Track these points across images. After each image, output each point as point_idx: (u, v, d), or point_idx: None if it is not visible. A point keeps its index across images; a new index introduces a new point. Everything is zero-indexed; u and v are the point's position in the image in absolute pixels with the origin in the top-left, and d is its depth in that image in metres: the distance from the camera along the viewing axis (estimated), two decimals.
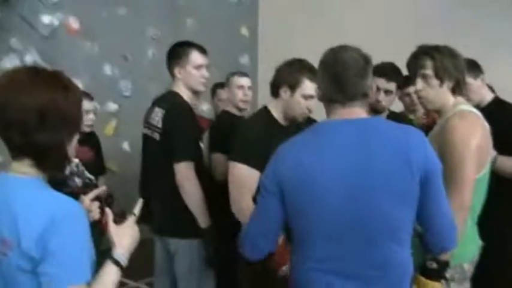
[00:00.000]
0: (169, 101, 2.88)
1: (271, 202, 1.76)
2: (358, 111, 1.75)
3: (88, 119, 3.58)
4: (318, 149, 1.69)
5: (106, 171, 3.86)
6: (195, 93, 2.95)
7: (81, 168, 3.47)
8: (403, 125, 1.82)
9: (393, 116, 3.13)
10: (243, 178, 2.37)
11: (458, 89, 2.23)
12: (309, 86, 2.51)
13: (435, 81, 2.21)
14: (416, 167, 1.64)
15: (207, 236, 2.76)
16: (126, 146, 5.66)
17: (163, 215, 2.89)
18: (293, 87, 2.51)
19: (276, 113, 2.59)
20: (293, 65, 2.54)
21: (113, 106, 5.68)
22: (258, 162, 2.33)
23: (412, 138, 1.70)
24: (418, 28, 4.97)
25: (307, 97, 2.52)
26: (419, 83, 2.25)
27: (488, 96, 3.10)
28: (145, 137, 2.96)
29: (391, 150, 1.65)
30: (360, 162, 1.65)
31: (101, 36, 5.51)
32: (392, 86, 2.97)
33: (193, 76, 2.88)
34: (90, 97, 3.66)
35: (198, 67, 2.88)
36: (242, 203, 2.37)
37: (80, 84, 5.40)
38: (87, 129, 3.58)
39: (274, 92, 2.57)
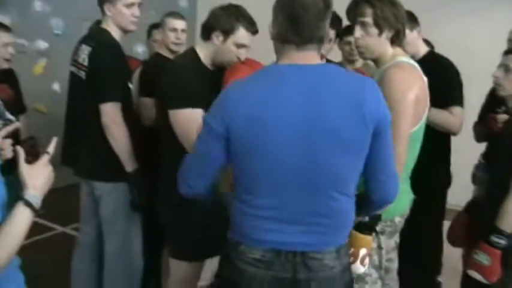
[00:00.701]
0: (97, 38, 2.74)
1: (214, 143, 1.69)
2: (312, 56, 1.69)
3: (6, 53, 3.35)
4: (268, 97, 1.62)
5: (26, 109, 3.68)
6: (126, 32, 2.83)
7: (2, 108, 3.30)
8: (357, 75, 1.77)
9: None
10: (191, 121, 2.25)
11: (397, 39, 2.20)
12: (243, 35, 2.42)
13: (374, 30, 2.17)
14: (370, 120, 1.61)
15: (132, 179, 2.70)
16: (56, 86, 5.46)
17: (88, 157, 2.79)
18: (227, 33, 2.41)
19: (204, 56, 2.49)
20: (230, 10, 2.44)
21: (42, 44, 5.46)
22: (198, 102, 2.29)
23: (366, 89, 1.65)
24: None
25: (239, 46, 2.43)
26: (358, 31, 2.21)
27: (423, 49, 3.12)
28: (72, 75, 2.83)
29: (344, 102, 1.60)
30: (311, 112, 1.60)
31: None
32: (330, 33, 2.94)
33: (123, 14, 2.75)
34: (7, 28, 3.41)
35: (129, 5, 2.74)
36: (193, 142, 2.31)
37: (6, 20, 5.11)
38: (5, 65, 3.37)
39: (206, 34, 2.47)
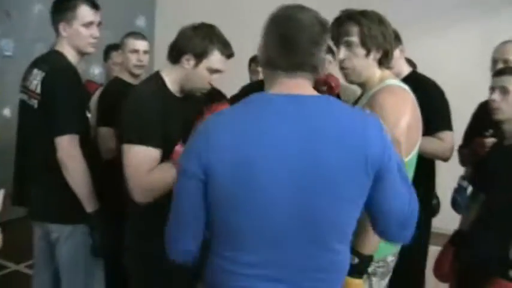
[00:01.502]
0: (51, 62, 2.43)
1: (193, 188, 1.41)
2: (303, 86, 1.45)
3: None
4: (255, 132, 1.37)
5: None
6: (83, 55, 2.53)
7: None
8: (357, 110, 1.53)
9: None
10: (141, 160, 2.00)
11: (385, 61, 2.01)
12: (218, 59, 2.14)
13: (361, 50, 1.97)
14: (372, 164, 1.39)
15: (93, 221, 2.39)
16: (6, 112, 5.10)
17: (42, 196, 2.46)
18: (199, 57, 2.12)
19: (171, 82, 2.20)
20: (202, 30, 2.15)
21: None
22: (155, 140, 2.01)
23: (370, 128, 1.42)
24: None
25: (213, 71, 2.16)
26: (343, 52, 2.00)
27: (406, 69, 2.94)
28: (22, 104, 2.50)
29: (345, 142, 1.38)
30: (308, 153, 1.35)
31: None
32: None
33: (81, 35, 2.45)
34: None
35: (88, 24, 2.45)
36: (142, 184, 2.02)
37: None
38: None
39: (174, 57, 2.17)
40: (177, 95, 2.22)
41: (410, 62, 3.16)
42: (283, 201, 1.36)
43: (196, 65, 2.13)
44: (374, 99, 1.93)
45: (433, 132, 2.70)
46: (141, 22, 6.66)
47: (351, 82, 2.12)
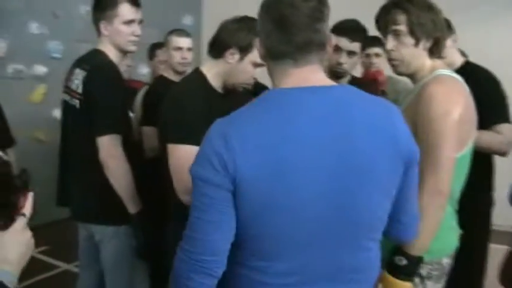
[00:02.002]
0: (92, 61, 2.40)
1: (223, 203, 1.26)
2: (315, 73, 1.33)
3: None
4: (283, 130, 1.24)
5: (14, 141, 3.34)
6: (125, 53, 2.49)
7: None
8: (378, 99, 1.40)
9: (356, 82, 2.77)
10: (186, 159, 1.88)
11: (436, 50, 1.88)
12: None
13: (410, 40, 1.85)
14: (404, 155, 1.33)
15: (136, 222, 2.34)
16: (56, 113, 5.15)
17: (85, 198, 2.43)
18: (244, 51, 2.05)
19: (213, 77, 2.12)
20: (246, 23, 2.06)
21: (41, 69, 5.16)
22: (200, 138, 1.93)
23: (395, 117, 1.35)
24: None
25: (257, 65, 2.07)
26: (391, 42, 1.89)
27: (459, 60, 2.78)
28: (65, 104, 2.49)
29: (377, 133, 1.29)
30: (341, 147, 1.24)
31: None
32: (356, 46, 2.61)
33: (122, 33, 2.41)
34: None
35: (128, 22, 2.40)
36: (188, 184, 1.93)
37: (1, 44, 4.84)
38: None
39: (217, 52, 2.10)
40: (219, 90, 2.14)
41: (462, 52, 2.99)
42: (320, 200, 1.26)
43: (241, 59, 2.07)
44: (424, 90, 1.81)
45: (489, 125, 2.53)
46: (187, 20, 6.64)
47: (400, 74, 2.00)
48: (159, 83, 3.17)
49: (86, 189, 2.43)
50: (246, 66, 2.07)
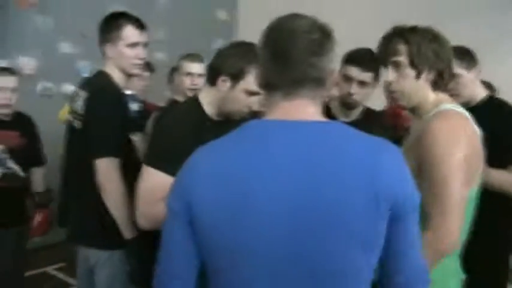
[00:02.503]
0: (95, 83, 2.40)
1: (178, 230, 1.25)
2: (305, 107, 1.24)
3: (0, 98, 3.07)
4: (244, 164, 1.18)
5: (43, 162, 3.38)
6: (129, 75, 2.47)
7: (4, 155, 3.02)
8: (372, 138, 1.26)
9: (369, 114, 2.67)
10: (155, 186, 1.86)
11: (441, 82, 1.79)
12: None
13: (410, 72, 1.76)
14: (385, 200, 1.15)
15: (131, 247, 2.29)
16: None
17: (80, 220, 2.41)
18: (235, 79, 1.97)
19: (208, 105, 2.05)
20: (240, 49, 2.00)
21: (69, 88, 5.23)
22: (175, 167, 1.88)
23: (383, 159, 1.18)
24: (410, 11, 4.50)
25: (250, 93, 1.99)
26: (391, 73, 1.80)
27: (481, 93, 2.62)
28: (68, 124, 2.49)
29: (350, 175, 1.15)
30: (305, 189, 1.13)
31: (56, 10, 5.07)
32: (368, 76, 2.49)
33: (125, 56, 2.40)
34: (7, 72, 3.17)
35: (132, 45, 2.39)
36: (148, 212, 1.90)
37: (31, 62, 4.95)
38: (4, 110, 3.10)
39: (211, 79, 2.04)
40: (215, 118, 2.08)
41: (489, 85, 2.86)
42: (279, 247, 1.16)
43: (233, 86, 1.98)
44: (427, 127, 1.71)
45: (506, 165, 2.39)
46: (222, 15, 6.61)
47: (403, 107, 1.91)
48: (169, 107, 3.15)
49: (83, 211, 2.40)
50: (238, 95, 1.99)
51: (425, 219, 1.57)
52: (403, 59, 1.76)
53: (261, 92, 1.35)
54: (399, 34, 1.79)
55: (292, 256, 1.16)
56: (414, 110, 1.86)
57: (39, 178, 3.36)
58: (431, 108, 1.79)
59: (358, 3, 5.33)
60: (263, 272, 1.19)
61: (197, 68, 3.20)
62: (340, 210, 1.14)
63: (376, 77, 2.54)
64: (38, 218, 3.21)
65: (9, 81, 3.09)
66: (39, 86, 5.09)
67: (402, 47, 1.76)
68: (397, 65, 1.78)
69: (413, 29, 1.78)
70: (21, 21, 4.90)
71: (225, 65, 1.97)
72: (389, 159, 1.19)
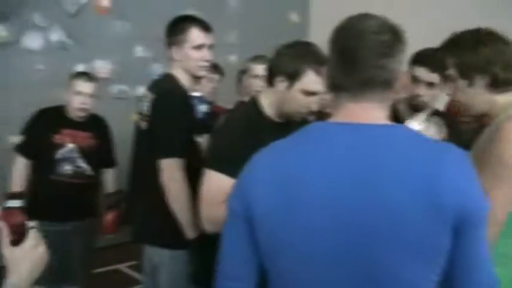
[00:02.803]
0: (161, 85, 2.44)
1: (239, 231, 1.26)
2: (371, 110, 1.19)
3: (78, 103, 3.18)
4: (307, 165, 1.16)
5: (114, 163, 3.49)
6: (195, 78, 2.50)
7: (75, 155, 3.13)
8: (437, 144, 1.21)
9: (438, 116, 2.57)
10: (216, 188, 1.85)
11: (498, 85, 1.69)
12: (312, 80, 1.92)
13: (462, 82, 1.72)
14: (449, 210, 1.08)
15: (193, 248, 2.31)
16: None
17: (144, 219, 2.45)
18: (292, 78, 1.94)
19: (267, 106, 2.03)
20: (296, 49, 1.97)
21: (143, 91, 5.36)
22: (236, 170, 1.88)
23: (447, 166, 1.11)
24: (482, 9, 4.31)
25: (308, 93, 1.95)
26: (448, 87, 1.79)
27: None
28: (135, 125, 2.55)
29: (412, 182, 1.09)
30: (364, 197, 1.11)
31: (132, 15, 5.22)
32: (435, 77, 2.40)
33: (191, 58, 2.42)
34: (87, 77, 3.26)
35: (198, 47, 2.42)
36: (211, 214, 1.89)
37: (107, 66, 5.12)
38: (80, 113, 3.20)
39: (269, 79, 2.02)
40: (276, 119, 2.06)
41: None
42: (334, 253, 1.13)
43: (290, 86, 1.95)
44: (496, 131, 1.62)
45: None
46: (293, 17, 6.55)
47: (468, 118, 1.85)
48: (236, 109, 3.15)
49: (147, 210, 2.45)
50: (296, 95, 1.95)
51: None
52: (452, 72, 1.73)
53: (322, 92, 1.32)
54: (445, 47, 1.76)
55: (347, 263, 1.13)
56: (481, 119, 1.78)
57: (110, 179, 3.46)
58: (499, 111, 1.70)
59: (431, 2, 5.15)
60: (318, 277, 1.17)
61: (264, 70, 3.18)
62: (399, 218, 1.09)
63: (445, 79, 2.45)
64: (108, 217, 3.30)
65: (87, 86, 3.19)
66: (114, 89, 5.25)
67: (450, 61, 1.73)
68: (450, 79, 1.76)
69: (455, 39, 1.74)
70: (99, 26, 5.08)
71: (282, 65, 1.95)
72: (454, 167, 1.13)
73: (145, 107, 2.43)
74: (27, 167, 3.17)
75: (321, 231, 1.13)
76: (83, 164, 3.18)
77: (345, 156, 1.14)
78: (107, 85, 5.18)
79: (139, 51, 5.35)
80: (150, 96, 2.43)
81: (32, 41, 4.72)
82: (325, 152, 1.16)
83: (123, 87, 5.29)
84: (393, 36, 1.19)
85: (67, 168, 3.13)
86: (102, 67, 5.12)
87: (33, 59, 4.76)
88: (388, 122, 1.22)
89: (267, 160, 1.25)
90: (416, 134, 1.22)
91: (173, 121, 2.30)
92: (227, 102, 3.88)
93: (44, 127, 3.17)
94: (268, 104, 2.04)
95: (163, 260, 2.41)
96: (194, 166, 2.34)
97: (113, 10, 5.14)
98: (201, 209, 1.95)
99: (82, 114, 3.20)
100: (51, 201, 3.10)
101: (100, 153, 3.31)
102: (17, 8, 4.58)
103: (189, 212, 2.29)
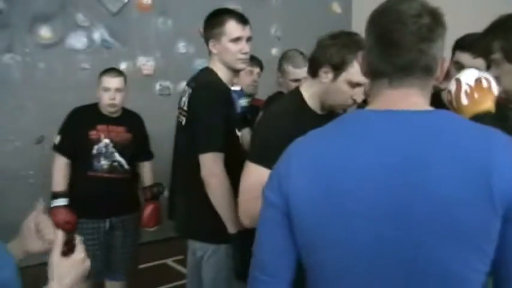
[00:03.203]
0: (199, 79, 2.44)
1: (275, 223, 1.22)
2: (412, 96, 1.15)
3: (106, 98, 3.20)
4: (346, 154, 1.12)
5: (150, 157, 3.50)
6: (234, 71, 2.48)
7: (111, 149, 3.17)
8: (485, 129, 1.15)
9: None
10: (256, 182, 1.78)
11: None
12: (358, 70, 1.88)
13: (508, 66, 1.64)
14: (501, 195, 1.04)
15: (235, 242, 2.30)
16: None
17: (187, 213, 2.46)
18: (337, 69, 1.90)
19: (310, 98, 2.00)
20: (341, 39, 1.93)
21: None
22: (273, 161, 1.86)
23: (497, 150, 1.07)
24: None
25: (354, 85, 1.91)
26: (493, 72, 1.69)
27: None
28: (176, 121, 2.55)
29: (461, 170, 1.05)
30: (410, 185, 1.07)
31: (174, 12, 5.25)
32: (479, 63, 2.30)
33: (229, 51, 2.41)
34: (114, 73, 3.28)
35: (235, 40, 2.40)
36: (248, 208, 1.86)
37: (150, 62, 5.17)
38: (110, 109, 3.23)
39: (312, 70, 1.98)
40: (319, 111, 2.02)
41: None
42: (379, 245, 1.09)
43: (335, 77, 1.91)
44: None
45: None
46: (336, 8, 6.48)
47: None
48: (275, 99, 3.12)
49: (189, 205, 2.45)
50: (341, 86, 1.91)
51: None
52: (497, 56, 1.65)
53: (366, 78, 1.28)
54: (491, 31, 1.69)
55: (393, 255, 1.09)
56: None
57: (147, 172, 3.47)
58: None
59: None
60: (361, 270, 1.13)
61: (302, 73, 3.15)
62: (447, 207, 1.05)
63: (488, 65, 2.35)
64: (147, 210, 3.33)
65: (114, 82, 3.20)
66: (158, 86, 5.30)
67: (495, 44, 1.65)
68: (495, 63, 1.68)
69: (501, 22, 1.67)
70: (141, 24, 5.13)
71: (326, 55, 1.91)
72: (504, 153, 1.07)
73: (184, 101, 2.42)
74: (68, 165, 3.21)
75: (365, 223, 1.09)
76: (119, 158, 3.21)
77: (387, 145, 1.10)
78: (150, 82, 5.24)
79: (181, 47, 5.38)
80: (188, 90, 2.42)
81: (76, 40, 4.81)
82: (366, 141, 1.12)
83: (167, 83, 5.33)
84: (433, 20, 1.14)
85: (104, 163, 3.16)
86: (145, 64, 5.17)
87: (78, 59, 4.85)
88: (430, 108, 1.17)
89: (306, 150, 1.21)
90: (462, 119, 1.18)
91: (211, 115, 2.29)
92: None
93: (80, 125, 3.21)
94: (310, 95, 2.00)
95: (206, 254, 2.41)
96: (235, 160, 2.33)
97: (154, 7, 5.18)
98: (239, 203, 1.93)
99: (113, 109, 3.22)
100: (91, 198, 3.14)
101: (135, 147, 3.32)
102: (60, 9, 4.67)
103: (230, 206, 2.27)
